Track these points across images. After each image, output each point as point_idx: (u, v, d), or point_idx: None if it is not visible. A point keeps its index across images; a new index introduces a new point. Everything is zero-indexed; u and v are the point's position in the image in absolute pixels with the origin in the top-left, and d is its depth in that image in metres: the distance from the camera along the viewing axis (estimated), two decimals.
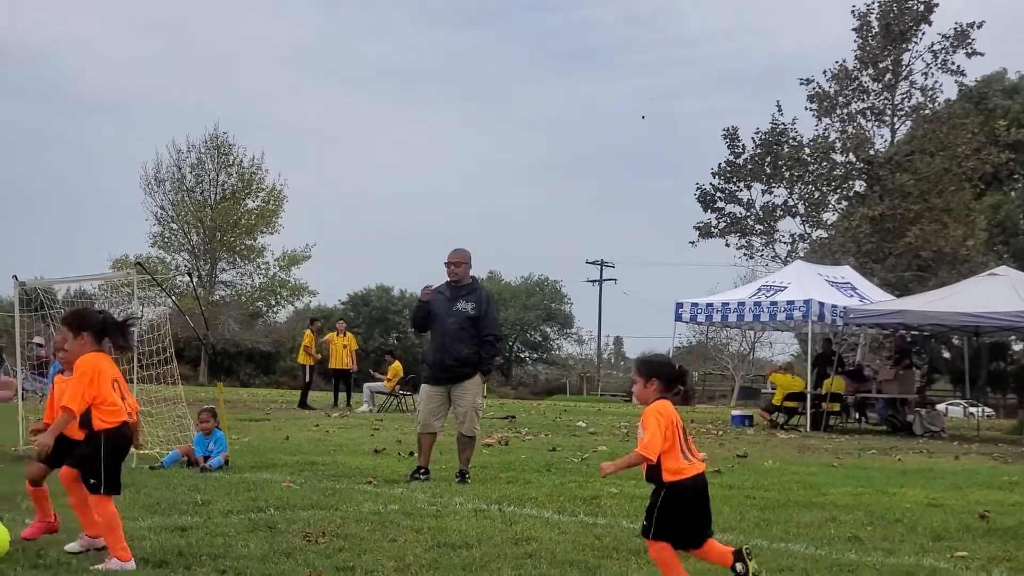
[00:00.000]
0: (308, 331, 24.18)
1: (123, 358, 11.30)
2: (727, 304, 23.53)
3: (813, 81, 38.53)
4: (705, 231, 40.15)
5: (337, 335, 24.27)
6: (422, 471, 9.25)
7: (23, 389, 11.67)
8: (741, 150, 39.72)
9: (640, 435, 4.81)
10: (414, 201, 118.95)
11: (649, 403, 4.83)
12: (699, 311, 23.74)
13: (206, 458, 9.56)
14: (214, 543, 5.66)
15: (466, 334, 9.23)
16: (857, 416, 23.57)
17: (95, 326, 5.46)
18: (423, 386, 9.62)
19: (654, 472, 4.73)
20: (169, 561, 5.19)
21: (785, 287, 23.04)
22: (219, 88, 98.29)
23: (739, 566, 4.72)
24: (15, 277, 11.41)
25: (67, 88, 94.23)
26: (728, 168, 39.90)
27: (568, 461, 11.39)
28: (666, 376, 4.87)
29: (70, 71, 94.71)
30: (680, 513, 4.69)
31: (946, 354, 45.88)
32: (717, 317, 23.91)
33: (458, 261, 9.42)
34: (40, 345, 17.61)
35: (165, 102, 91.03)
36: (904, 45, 37.94)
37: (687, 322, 24.91)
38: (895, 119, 39.07)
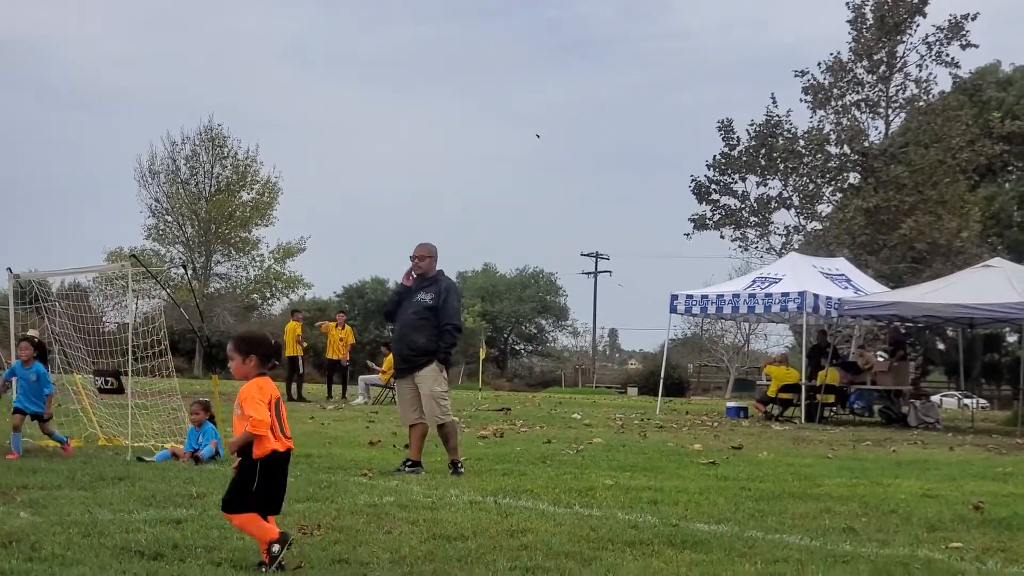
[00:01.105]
0: (293, 322, 24.23)
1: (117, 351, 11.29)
2: (722, 296, 23.53)
3: (808, 73, 38.59)
4: (700, 223, 40.14)
5: (336, 326, 24.28)
6: (408, 464, 9.24)
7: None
8: (736, 142, 39.73)
9: (237, 411, 4.98)
10: (410, 195, 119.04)
11: (249, 378, 5.03)
12: (694, 303, 23.74)
13: (194, 451, 9.52)
14: (209, 535, 5.66)
15: (424, 324, 9.29)
16: (849, 409, 23.61)
17: None
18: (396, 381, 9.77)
19: (246, 448, 4.93)
20: (164, 554, 5.18)
21: (780, 279, 23.05)
22: (218, 85, 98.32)
23: (276, 547, 4.88)
24: (9, 270, 11.38)
25: (66, 85, 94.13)
26: (723, 160, 39.90)
27: (563, 453, 11.39)
28: (264, 352, 5.08)
29: (70, 68, 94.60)
30: (266, 485, 4.93)
31: (940, 346, 45.97)
32: (712, 309, 23.91)
33: (422, 255, 9.49)
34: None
35: (164, 99, 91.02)
36: (898, 37, 37.96)
37: (682, 314, 24.88)
38: (889, 111, 39.11)
